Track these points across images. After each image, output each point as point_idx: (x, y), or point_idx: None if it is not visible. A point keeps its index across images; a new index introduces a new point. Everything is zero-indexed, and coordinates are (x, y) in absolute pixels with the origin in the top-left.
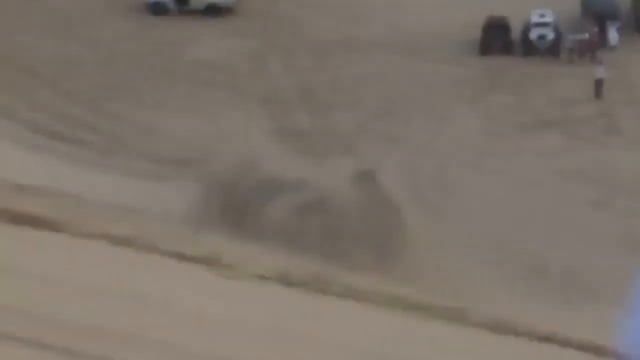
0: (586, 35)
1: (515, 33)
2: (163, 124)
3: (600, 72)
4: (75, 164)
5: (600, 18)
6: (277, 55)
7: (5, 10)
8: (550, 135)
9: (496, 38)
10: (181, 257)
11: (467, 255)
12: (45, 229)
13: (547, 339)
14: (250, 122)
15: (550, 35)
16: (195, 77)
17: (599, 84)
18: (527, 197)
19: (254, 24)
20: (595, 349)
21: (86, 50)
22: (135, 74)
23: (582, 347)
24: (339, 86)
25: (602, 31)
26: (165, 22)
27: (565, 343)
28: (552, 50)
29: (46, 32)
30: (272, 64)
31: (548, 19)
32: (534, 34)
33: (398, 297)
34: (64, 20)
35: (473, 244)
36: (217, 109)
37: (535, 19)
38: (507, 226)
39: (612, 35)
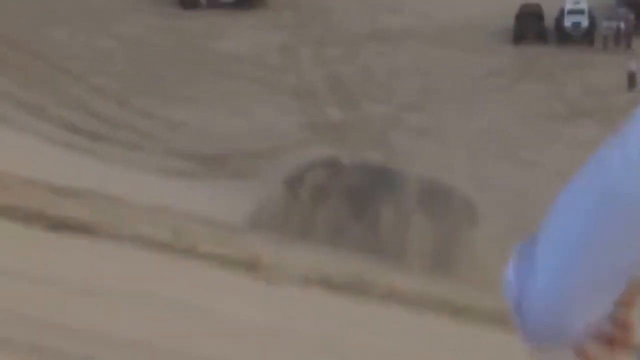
0: (621, 23)
1: (549, 21)
2: (195, 118)
3: (633, 64)
4: (107, 162)
5: (636, 4)
6: (308, 47)
7: (36, 6)
8: (584, 125)
9: (530, 26)
10: (220, 260)
11: (503, 250)
12: (80, 232)
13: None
14: (282, 115)
15: (585, 22)
16: (226, 71)
17: (631, 76)
18: (561, 188)
19: (284, 16)
20: None
21: (117, 45)
22: (167, 68)
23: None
24: (370, 77)
25: (638, 18)
26: (195, 16)
27: None
28: (587, 37)
29: (77, 28)
30: (303, 56)
31: (582, 5)
32: (568, 22)
33: (443, 299)
34: (94, 15)
35: (508, 237)
36: (248, 102)
37: (569, 6)
38: (541, 219)
39: None
